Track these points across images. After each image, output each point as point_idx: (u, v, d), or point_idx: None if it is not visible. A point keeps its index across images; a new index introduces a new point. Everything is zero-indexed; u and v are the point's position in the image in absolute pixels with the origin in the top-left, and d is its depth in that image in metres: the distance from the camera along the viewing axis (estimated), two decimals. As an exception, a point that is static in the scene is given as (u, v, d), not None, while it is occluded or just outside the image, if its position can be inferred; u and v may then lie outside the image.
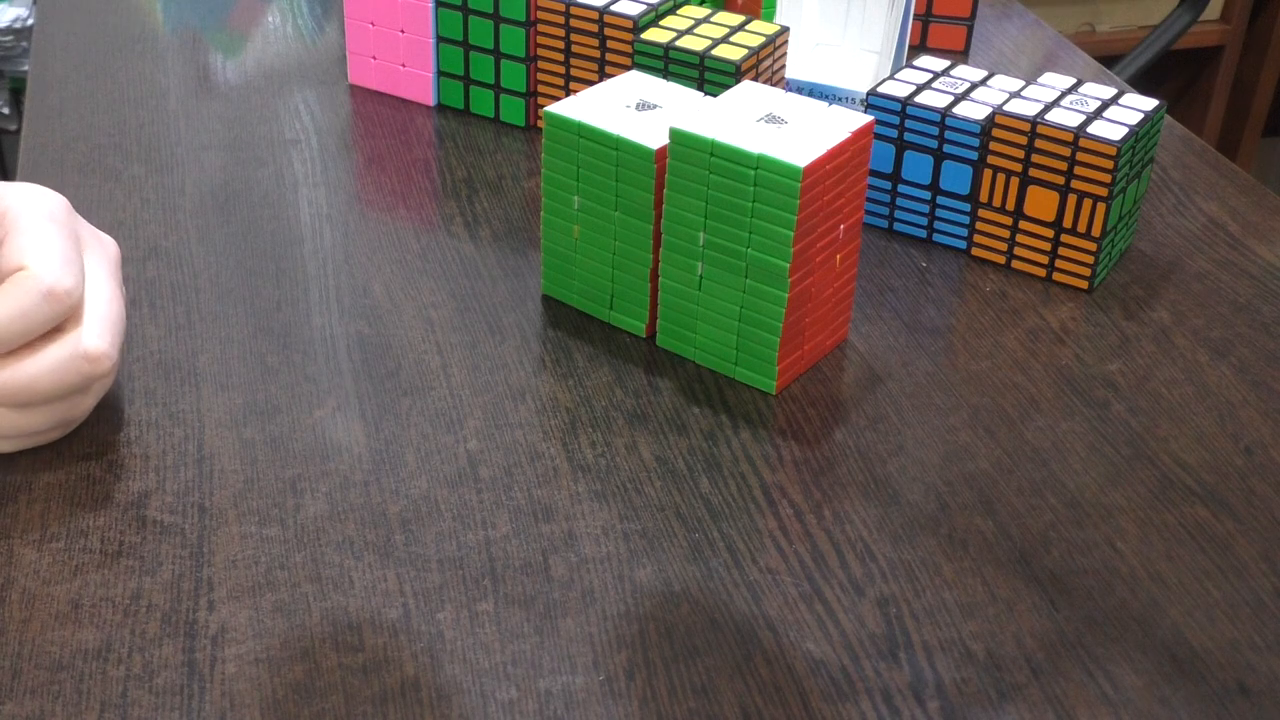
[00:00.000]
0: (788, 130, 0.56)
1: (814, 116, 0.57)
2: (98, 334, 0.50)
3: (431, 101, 0.81)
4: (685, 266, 0.58)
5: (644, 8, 0.74)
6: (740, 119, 0.57)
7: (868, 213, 0.70)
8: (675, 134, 0.56)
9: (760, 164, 0.54)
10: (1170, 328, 0.64)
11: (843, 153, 0.56)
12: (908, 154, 0.68)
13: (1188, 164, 0.78)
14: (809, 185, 0.54)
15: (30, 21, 1.63)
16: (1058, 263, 0.66)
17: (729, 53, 0.71)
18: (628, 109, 0.59)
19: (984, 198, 0.67)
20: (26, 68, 1.18)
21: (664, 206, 0.57)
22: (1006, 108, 0.65)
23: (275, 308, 0.62)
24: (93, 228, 0.54)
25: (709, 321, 0.59)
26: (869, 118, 0.57)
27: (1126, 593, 0.49)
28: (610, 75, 0.74)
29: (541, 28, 0.76)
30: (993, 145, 0.65)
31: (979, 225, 0.68)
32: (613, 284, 0.61)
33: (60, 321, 0.50)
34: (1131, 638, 0.47)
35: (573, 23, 0.75)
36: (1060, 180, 0.64)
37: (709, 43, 0.72)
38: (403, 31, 0.80)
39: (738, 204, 0.55)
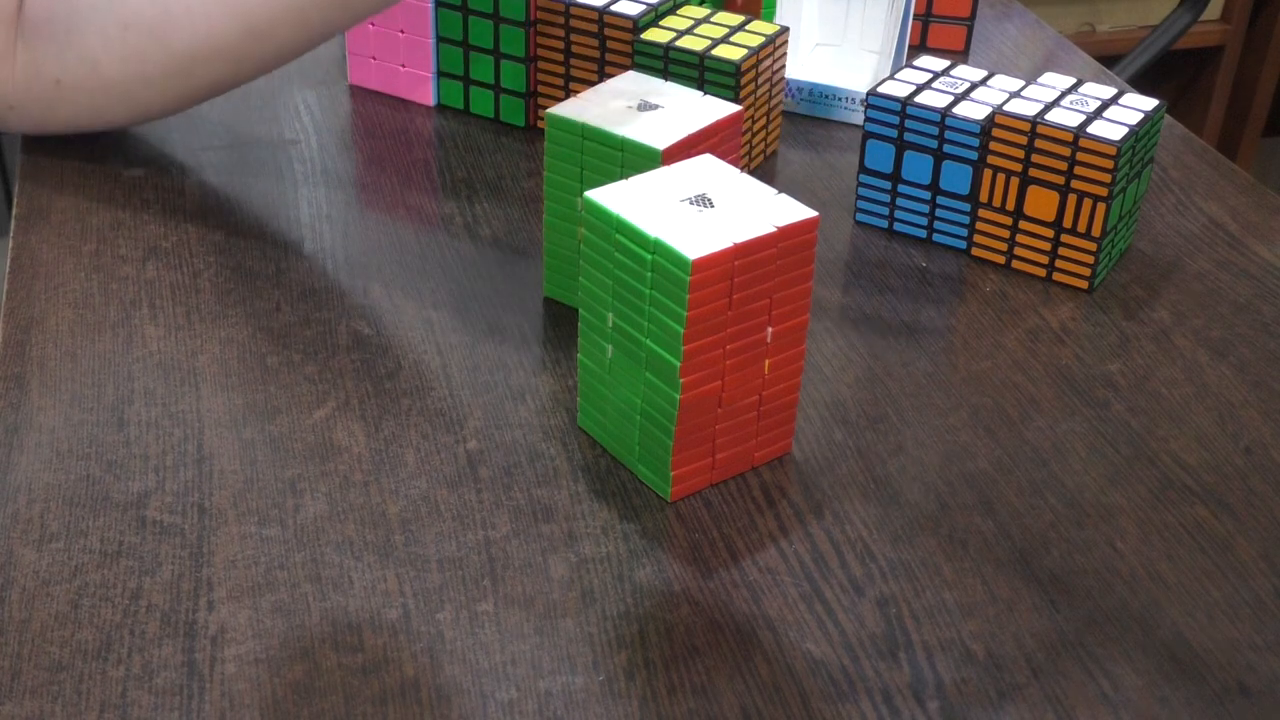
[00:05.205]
0: (709, 215, 0.50)
1: (751, 203, 0.51)
2: None
3: (431, 102, 0.81)
4: (599, 347, 0.53)
5: (644, 8, 0.74)
6: (668, 196, 0.51)
7: (869, 213, 0.70)
8: (587, 203, 0.51)
9: (657, 249, 0.48)
10: (1170, 328, 0.64)
11: (763, 249, 0.49)
12: (907, 154, 0.68)
13: (1188, 164, 0.78)
14: (705, 280, 0.48)
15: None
16: (1058, 263, 0.66)
17: (729, 53, 0.71)
18: (630, 109, 0.59)
19: (984, 198, 0.67)
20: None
21: (580, 280, 0.53)
22: (1006, 108, 0.65)
23: (275, 308, 0.62)
24: None
25: (617, 410, 0.53)
26: (812, 214, 0.50)
27: (1126, 593, 0.49)
28: (610, 75, 0.74)
29: (541, 28, 0.76)
30: (993, 145, 0.65)
31: (979, 225, 0.67)
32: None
33: None
34: (1131, 638, 0.47)
35: (573, 23, 0.75)
36: (1060, 180, 0.64)
37: (709, 43, 0.72)
38: (402, 32, 0.80)
39: (637, 289, 0.50)
